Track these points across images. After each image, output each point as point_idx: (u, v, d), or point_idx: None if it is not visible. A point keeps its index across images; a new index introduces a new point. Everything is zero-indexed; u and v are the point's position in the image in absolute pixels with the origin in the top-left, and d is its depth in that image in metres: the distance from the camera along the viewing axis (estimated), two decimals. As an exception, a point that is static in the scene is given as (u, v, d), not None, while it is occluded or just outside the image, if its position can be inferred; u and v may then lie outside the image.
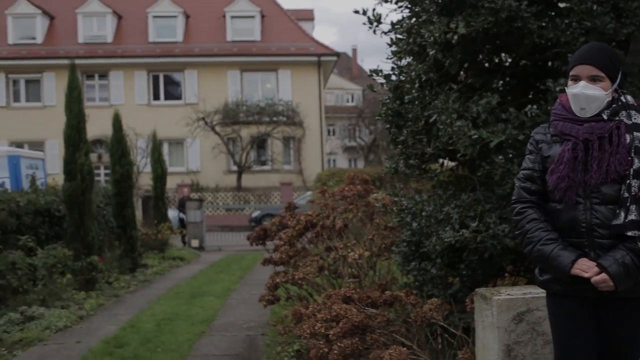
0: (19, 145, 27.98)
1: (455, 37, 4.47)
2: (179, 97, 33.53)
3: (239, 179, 31.75)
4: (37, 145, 29.96)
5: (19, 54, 32.62)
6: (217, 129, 31.59)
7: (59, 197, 11.21)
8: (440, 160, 5.70)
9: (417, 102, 4.98)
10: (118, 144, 12.69)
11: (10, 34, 33.23)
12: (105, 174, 29.77)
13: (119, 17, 34.58)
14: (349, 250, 5.81)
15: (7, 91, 32.84)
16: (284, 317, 6.06)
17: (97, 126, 24.13)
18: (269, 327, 7.20)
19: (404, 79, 5.28)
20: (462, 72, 5.48)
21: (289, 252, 6.14)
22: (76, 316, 8.56)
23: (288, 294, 6.38)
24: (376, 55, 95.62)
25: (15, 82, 33.16)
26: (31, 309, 8.33)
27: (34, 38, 33.37)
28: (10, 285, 8.80)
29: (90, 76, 32.58)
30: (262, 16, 34.35)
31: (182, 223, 20.14)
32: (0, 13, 33.59)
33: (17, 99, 33.18)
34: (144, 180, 26.55)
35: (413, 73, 4.93)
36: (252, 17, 34.05)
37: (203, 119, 31.28)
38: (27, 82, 33.16)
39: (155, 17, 33.84)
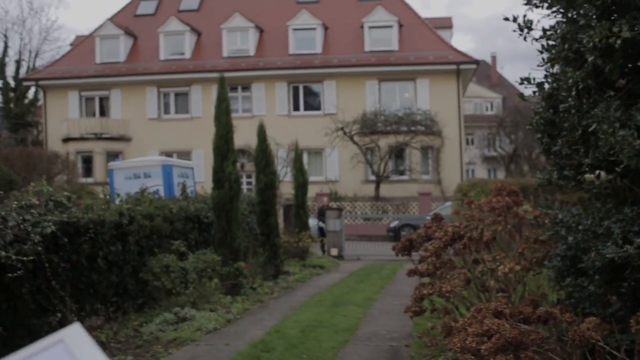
0: (168, 154, 29.61)
1: (619, 41, 4.24)
2: (318, 108, 34.17)
3: (377, 188, 31.83)
4: (185, 154, 31.57)
5: (169, 69, 34.57)
6: (356, 138, 31.85)
7: (207, 205, 11.74)
8: (597, 172, 5.42)
9: (573, 111, 4.76)
10: (262, 153, 13.10)
11: (162, 50, 35.31)
12: (247, 183, 30.87)
13: (261, 31, 35.80)
14: (498, 264, 5.65)
15: (158, 104, 34.92)
16: (429, 329, 5.99)
17: (240, 136, 24.92)
18: (412, 338, 7.14)
19: (557, 86, 5.08)
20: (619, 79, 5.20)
21: (435, 263, 6.06)
22: (224, 319, 8.90)
23: (433, 306, 6.30)
24: (516, 62, 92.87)
25: (166, 95, 35.18)
26: (183, 311, 8.75)
27: (182, 53, 35.26)
28: (164, 287, 9.31)
29: (233, 88, 33.89)
30: (400, 25, 34.34)
31: (322, 232, 20.46)
32: (153, 32, 35.79)
33: (167, 111, 35.17)
34: (285, 189, 27.25)
35: (570, 80, 4.72)
36: (390, 26, 34.13)
37: (342, 129, 31.65)
38: (177, 95, 35.08)
39: (295, 29, 34.74)
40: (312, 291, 11.96)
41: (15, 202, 6.14)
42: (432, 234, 6.56)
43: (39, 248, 5.93)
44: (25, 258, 5.51)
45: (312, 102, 34.59)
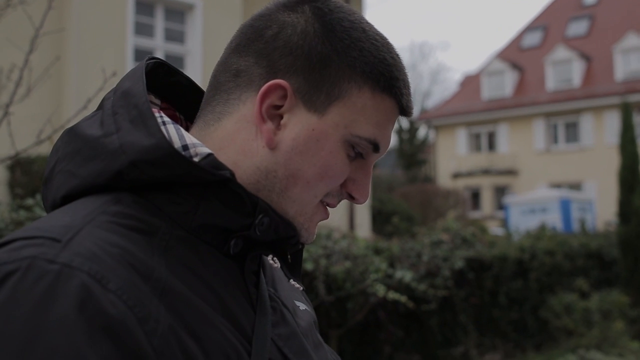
0: (557, 186, 28.72)
1: None
2: None
3: None
4: (574, 186, 30.25)
5: (557, 99, 33.64)
6: None
7: (608, 240, 11.04)
8: None
9: None
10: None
11: (548, 80, 34.58)
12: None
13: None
14: None
15: (546, 135, 34.10)
16: None
17: None
18: None
19: None
20: None
21: None
22: (634, 367, 8.17)
23: None
24: None
25: (554, 126, 34.22)
26: (588, 353, 8.26)
27: (570, 81, 34.02)
28: (564, 327, 8.94)
29: (628, 114, 31.50)
30: None
31: None
32: (539, 63, 35.37)
33: (555, 142, 34.17)
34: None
35: None
36: None
37: None
38: (566, 125, 33.89)
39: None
40: None
41: (427, 238, 6.51)
42: None
43: (449, 283, 6.16)
44: (438, 292, 5.76)
45: None
